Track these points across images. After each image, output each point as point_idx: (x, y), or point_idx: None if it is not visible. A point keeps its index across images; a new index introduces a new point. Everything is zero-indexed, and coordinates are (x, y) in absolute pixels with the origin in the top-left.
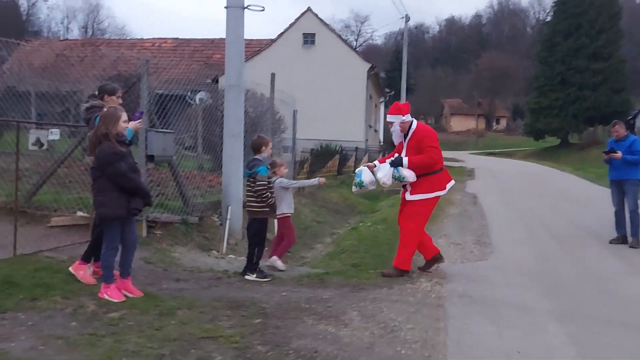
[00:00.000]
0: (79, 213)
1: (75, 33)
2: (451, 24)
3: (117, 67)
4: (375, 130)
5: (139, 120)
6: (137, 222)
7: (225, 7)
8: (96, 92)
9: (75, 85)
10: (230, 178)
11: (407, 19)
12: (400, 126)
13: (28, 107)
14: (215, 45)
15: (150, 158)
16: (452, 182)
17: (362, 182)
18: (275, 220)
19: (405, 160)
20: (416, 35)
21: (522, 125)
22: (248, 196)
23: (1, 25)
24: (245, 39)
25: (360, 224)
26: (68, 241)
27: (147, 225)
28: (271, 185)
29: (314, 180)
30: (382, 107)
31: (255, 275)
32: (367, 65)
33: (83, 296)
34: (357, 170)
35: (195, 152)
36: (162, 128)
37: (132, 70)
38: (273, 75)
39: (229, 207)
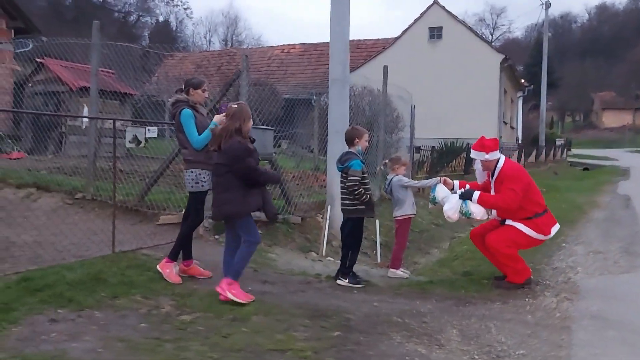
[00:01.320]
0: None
1: (216, 46)
2: (602, 11)
3: (249, 74)
4: (512, 128)
5: (224, 114)
6: None
7: None
8: (182, 87)
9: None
10: (334, 176)
11: (548, 5)
12: (483, 164)
13: (162, 115)
14: None
15: None
16: (557, 227)
17: (436, 197)
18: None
19: (475, 194)
20: (562, 25)
21: None
22: (342, 193)
23: (157, 43)
24: (371, 39)
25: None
26: (169, 239)
27: None
28: (366, 181)
29: (435, 180)
30: (520, 102)
31: (347, 281)
32: (500, 57)
33: (163, 296)
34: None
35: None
36: (289, 130)
37: (263, 77)
38: (386, 68)
39: (329, 207)
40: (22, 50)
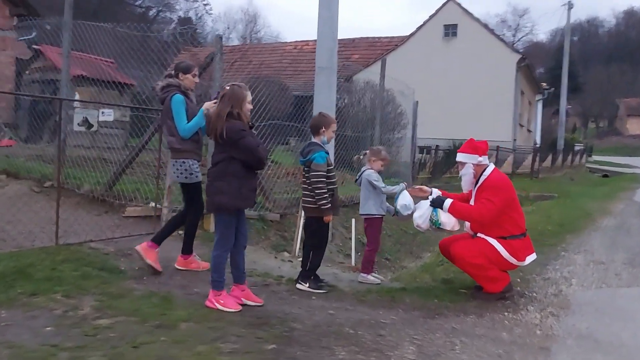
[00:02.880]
0: (152, 204)
1: (234, 42)
2: (630, 16)
3: (261, 70)
4: (529, 131)
5: (215, 101)
6: (204, 216)
7: None
8: (172, 72)
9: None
10: None
11: (570, 5)
12: (475, 169)
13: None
14: (354, 45)
15: None
16: (534, 256)
17: (396, 207)
18: (351, 221)
19: (447, 202)
20: (588, 30)
21: None
22: (303, 189)
23: (178, 39)
24: (386, 37)
25: None
26: (130, 232)
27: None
28: (331, 176)
29: (400, 186)
30: (539, 105)
31: (307, 285)
32: (517, 57)
33: (90, 295)
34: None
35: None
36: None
37: (274, 73)
38: (384, 61)
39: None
40: (26, 37)
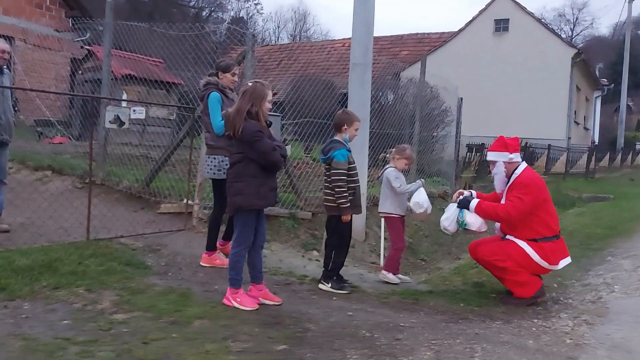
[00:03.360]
0: (185, 201)
1: (284, 42)
2: None
3: (307, 69)
4: (586, 129)
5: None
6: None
7: None
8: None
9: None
10: None
11: None
12: (506, 167)
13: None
14: (403, 41)
15: None
16: (568, 260)
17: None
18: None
19: (473, 202)
20: None
21: None
22: (325, 187)
23: (232, 39)
24: (435, 32)
25: None
26: (163, 228)
27: None
28: (353, 174)
29: (416, 184)
30: (597, 102)
31: (330, 285)
32: (572, 51)
33: (110, 290)
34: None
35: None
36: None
37: (320, 72)
38: (424, 57)
39: None
40: (81, 39)
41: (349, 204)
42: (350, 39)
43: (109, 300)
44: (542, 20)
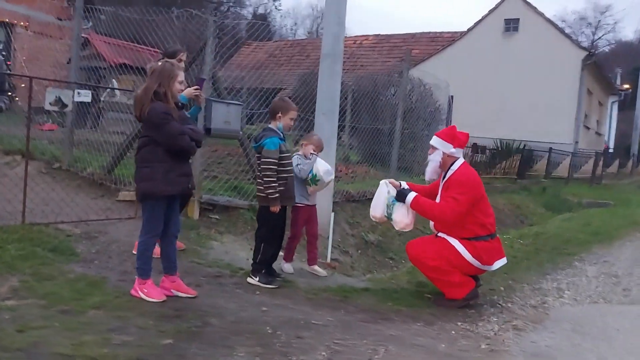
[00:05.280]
0: None
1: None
2: None
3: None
4: (599, 134)
5: (196, 87)
6: (188, 202)
7: None
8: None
9: (278, 83)
10: (318, 162)
11: None
12: (443, 159)
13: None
14: (415, 40)
15: (207, 131)
16: (503, 261)
17: (315, 174)
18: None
19: (410, 196)
20: None
21: None
22: (257, 176)
23: (252, 35)
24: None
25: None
26: (112, 215)
27: (199, 207)
28: (285, 164)
29: (313, 158)
30: (614, 107)
31: (257, 279)
32: (583, 53)
33: (17, 275)
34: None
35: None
36: (354, 122)
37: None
38: (408, 51)
39: None
40: (83, 28)
41: (277, 195)
42: (362, 36)
43: (9, 286)
44: (554, 21)
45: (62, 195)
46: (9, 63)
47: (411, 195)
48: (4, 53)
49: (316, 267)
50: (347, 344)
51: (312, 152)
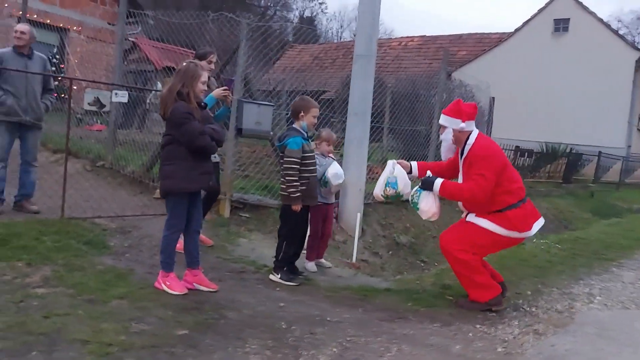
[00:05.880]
0: None
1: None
2: None
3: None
4: None
5: (224, 88)
6: (218, 201)
7: None
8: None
9: (322, 85)
10: (349, 163)
11: None
12: (455, 136)
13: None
14: (462, 41)
15: (239, 131)
16: (541, 222)
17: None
18: None
19: (437, 183)
20: None
21: None
22: (281, 175)
23: (300, 38)
24: (496, 32)
25: (535, 241)
26: (146, 212)
27: (230, 205)
28: (308, 163)
29: (327, 161)
30: None
31: (279, 276)
32: (637, 54)
33: (49, 266)
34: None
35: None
36: (392, 124)
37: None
38: (446, 52)
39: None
40: (133, 32)
41: (299, 193)
42: (407, 37)
43: (41, 275)
44: (608, 21)
45: (103, 192)
46: (62, 66)
47: (438, 182)
48: (57, 56)
49: (322, 260)
50: (359, 342)
51: (328, 153)
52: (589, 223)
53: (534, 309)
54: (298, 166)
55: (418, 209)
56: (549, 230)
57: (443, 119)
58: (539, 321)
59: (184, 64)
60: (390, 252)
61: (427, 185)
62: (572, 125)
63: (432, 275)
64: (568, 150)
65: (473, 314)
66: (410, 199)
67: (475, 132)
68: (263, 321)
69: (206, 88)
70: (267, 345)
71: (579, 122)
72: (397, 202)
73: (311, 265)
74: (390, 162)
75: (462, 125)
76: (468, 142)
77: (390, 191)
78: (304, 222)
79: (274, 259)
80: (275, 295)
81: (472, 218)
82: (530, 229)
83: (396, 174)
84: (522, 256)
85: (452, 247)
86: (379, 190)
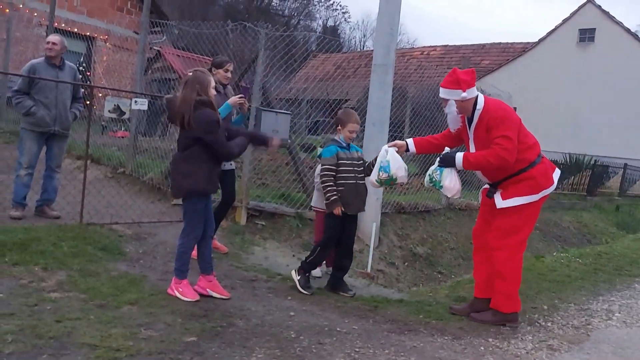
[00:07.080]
0: None
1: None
2: None
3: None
4: None
5: (240, 96)
6: (234, 209)
7: None
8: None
9: (344, 94)
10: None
11: None
12: (458, 106)
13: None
14: (485, 50)
15: None
16: (558, 171)
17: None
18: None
19: (459, 158)
20: None
21: None
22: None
23: (323, 46)
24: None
25: (555, 254)
26: (163, 218)
27: (246, 212)
28: (343, 170)
29: (381, 152)
30: None
31: (299, 278)
32: None
33: (65, 270)
34: (382, 156)
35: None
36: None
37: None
38: (465, 60)
39: None
40: (157, 41)
41: (336, 197)
42: (430, 47)
43: (56, 280)
44: (631, 31)
45: (122, 199)
46: (88, 74)
47: (460, 156)
48: (84, 64)
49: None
50: (366, 353)
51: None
52: (614, 237)
53: (549, 324)
54: (333, 172)
55: (442, 186)
56: (571, 244)
57: (443, 92)
58: (554, 337)
59: (190, 72)
60: (406, 263)
61: (446, 162)
62: (597, 136)
63: (447, 287)
64: (592, 162)
65: (485, 328)
66: (429, 179)
67: (480, 97)
68: (271, 330)
69: (215, 93)
70: (274, 354)
71: (604, 133)
72: (415, 213)
73: (316, 271)
74: (383, 147)
75: (464, 94)
76: (477, 108)
77: (383, 175)
78: (337, 232)
79: (303, 260)
80: (285, 304)
81: (501, 203)
82: (553, 182)
83: (389, 157)
84: (540, 270)
85: (489, 245)
86: (373, 177)
